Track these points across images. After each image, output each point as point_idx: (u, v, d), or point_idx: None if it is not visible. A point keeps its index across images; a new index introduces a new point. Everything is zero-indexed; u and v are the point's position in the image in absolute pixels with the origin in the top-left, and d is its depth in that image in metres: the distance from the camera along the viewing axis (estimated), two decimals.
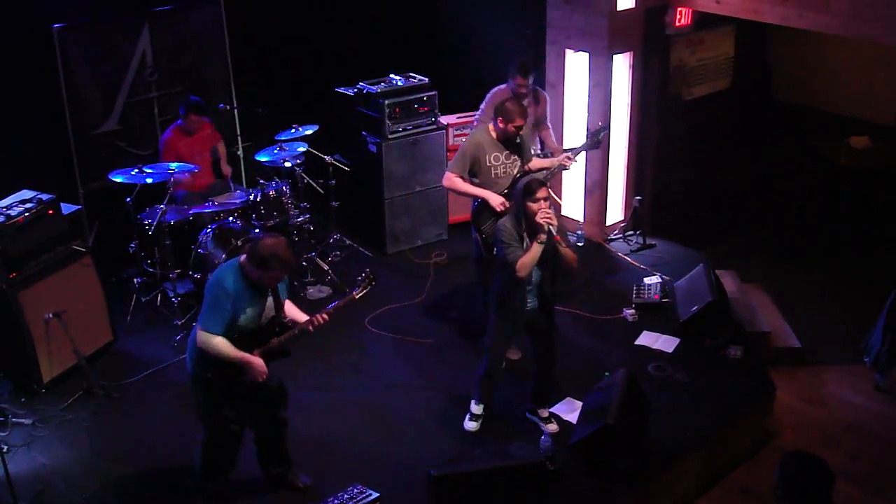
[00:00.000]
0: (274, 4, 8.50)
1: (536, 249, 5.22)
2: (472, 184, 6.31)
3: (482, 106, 7.38)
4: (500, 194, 6.20)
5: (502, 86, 7.30)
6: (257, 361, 4.70)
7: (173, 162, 7.12)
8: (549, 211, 5.22)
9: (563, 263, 5.44)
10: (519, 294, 5.42)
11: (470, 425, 5.80)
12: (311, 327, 4.82)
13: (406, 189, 8.07)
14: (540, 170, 6.62)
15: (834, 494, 3.47)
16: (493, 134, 6.29)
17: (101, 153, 7.56)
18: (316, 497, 5.06)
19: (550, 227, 5.18)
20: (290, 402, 5.19)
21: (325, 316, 4.82)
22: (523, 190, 5.29)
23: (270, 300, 4.78)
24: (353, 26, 8.99)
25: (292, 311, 4.97)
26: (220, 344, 4.62)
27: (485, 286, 6.13)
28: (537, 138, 7.48)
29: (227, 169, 7.80)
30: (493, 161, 6.26)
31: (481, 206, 6.27)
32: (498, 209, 6.13)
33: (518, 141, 6.33)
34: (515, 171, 6.34)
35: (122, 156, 7.62)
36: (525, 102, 6.89)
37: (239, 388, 4.78)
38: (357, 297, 4.93)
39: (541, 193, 5.22)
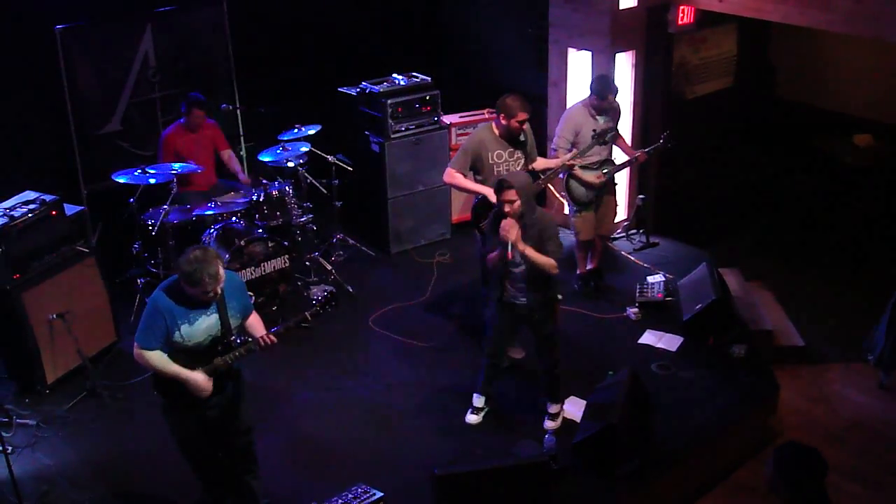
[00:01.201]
0: (276, 4, 8.50)
1: (501, 250, 5.22)
2: (475, 181, 6.28)
3: (557, 131, 6.96)
4: None
5: (577, 104, 7.02)
6: (195, 378, 4.52)
7: (172, 159, 7.12)
8: (511, 224, 5.12)
9: (539, 270, 5.30)
10: (490, 285, 5.48)
11: (471, 418, 5.83)
12: (257, 347, 4.69)
13: (409, 188, 8.07)
14: (545, 170, 6.60)
15: (838, 492, 3.47)
16: (497, 131, 6.24)
17: (103, 154, 7.57)
18: (320, 497, 5.05)
19: (508, 241, 5.08)
20: (294, 403, 5.14)
21: (272, 337, 4.69)
22: (496, 186, 5.30)
23: (214, 318, 4.56)
24: (356, 26, 8.99)
25: (256, 326, 4.82)
26: (154, 358, 4.51)
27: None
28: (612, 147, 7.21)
29: (246, 179, 7.70)
30: (495, 159, 6.22)
31: (482, 202, 6.21)
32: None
33: (522, 138, 6.29)
34: (519, 169, 6.31)
35: (125, 156, 7.63)
36: (609, 117, 6.89)
37: (184, 407, 4.62)
38: (311, 316, 4.80)
39: (505, 196, 5.15)
